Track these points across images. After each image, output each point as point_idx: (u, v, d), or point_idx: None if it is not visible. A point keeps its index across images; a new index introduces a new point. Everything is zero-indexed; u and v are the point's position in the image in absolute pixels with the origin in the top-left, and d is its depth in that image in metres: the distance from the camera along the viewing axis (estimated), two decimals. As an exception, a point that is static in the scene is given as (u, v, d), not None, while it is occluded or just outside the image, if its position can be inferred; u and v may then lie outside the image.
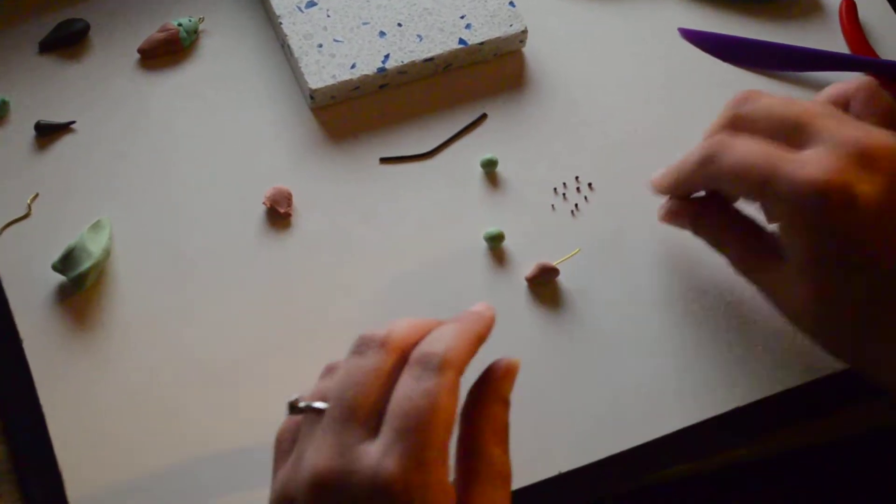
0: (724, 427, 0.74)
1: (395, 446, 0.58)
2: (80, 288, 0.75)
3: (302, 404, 0.63)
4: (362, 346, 0.62)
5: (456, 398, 0.60)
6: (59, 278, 0.75)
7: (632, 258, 0.79)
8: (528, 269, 0.78)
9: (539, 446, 0.73)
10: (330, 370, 0.65)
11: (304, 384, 0.73)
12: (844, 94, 0.72)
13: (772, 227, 0.71)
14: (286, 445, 0.63)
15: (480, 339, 0.64)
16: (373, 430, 0.60)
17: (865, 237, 0.66)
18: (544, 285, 0.78)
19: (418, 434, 0.58)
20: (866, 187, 0.65)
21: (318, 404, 0.62)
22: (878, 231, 0.65)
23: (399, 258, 0.78)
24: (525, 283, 0.78)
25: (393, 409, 0.59)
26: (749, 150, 0.68)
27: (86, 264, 0.74)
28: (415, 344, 0.63)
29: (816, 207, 0.65)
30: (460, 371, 0.61)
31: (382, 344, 0.62)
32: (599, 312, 0.77)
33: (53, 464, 0.71)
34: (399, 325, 0.63)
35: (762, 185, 0.67)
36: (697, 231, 0.74)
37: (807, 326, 0.70)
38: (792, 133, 0.68)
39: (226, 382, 0.74)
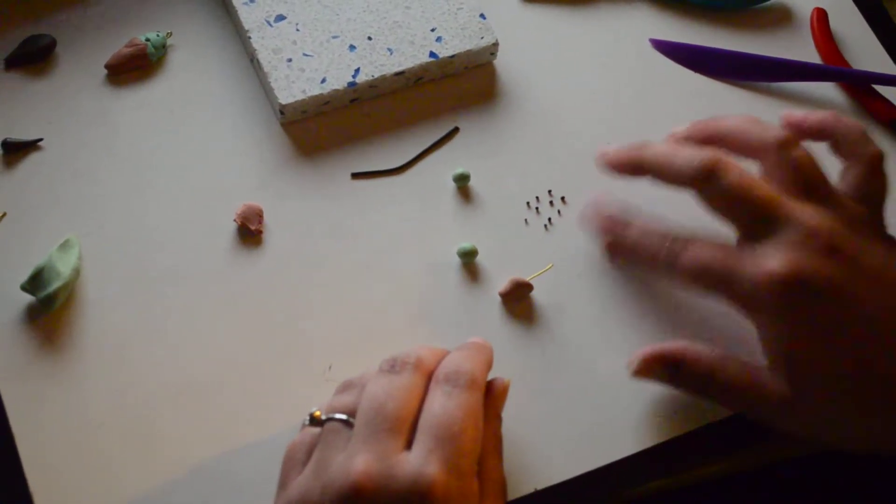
0: (700, 441, 0.74)
1: (434, 453, 0.61)
2: (49, 308, 0.74)
3: (325, 416, 0.65)
4: (396, 366, 0.66)
5: (483, 414, 0.64)
6: (28, 299, 0.74)
7: (605, 272, 0.79)
8: (502, 284, 0.77)
9: (514, 464, 0.72)
10: (349, 386, 0.68)
11: (279, 401, 0.73)
12: (830, 129, 0.74)
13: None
14: (300, 457, 0.65)
15: (489, 365, 0.69)
16: (408, 441, 0.63)
17: (834, 321, 0.68)
18: (518, 301, 0.77)
19: (455, 442, 0.62)
20: (826, 272, 0.67)
21: (344, 416, 0.65)
22: (846, 313, 0.68)
23: (371, 274, 0.78)
24: (498, 299, 0.77)
25: (428, 420, 0.63)
26: (706, 252, 0.70)
27: (55, 284, 0.73)
28: (434, 368, 0.67)
29: (781, 300, 0.67)
30: (483, 390, 0.66)
31: (416, 366, 0.66)
32: (573, 328, 0.77)
33: (25, 487, 0.70)
34: (424, 351, 0.67)
35: (722, 283, 0.70)
36: (679, 384, 0.73)
37: (793, 424, 0.71)
38: (753, 220, 0.70)
39: (198, 401, 0.73)
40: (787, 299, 0.67)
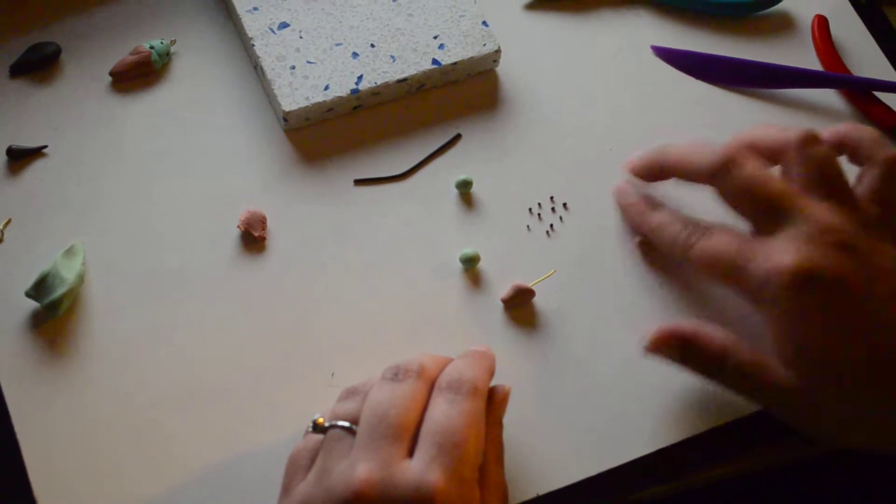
0: (703, 446, 0.75)
1: (436, 461, 0.62)
2: (54, 314, 0.74)
3: (328, 423, 0.66)
4: (399, 374, 0.66)
5: (484, 422, 0.65)
6: (33, 305, 0.75)
7: (608, 278, 0.79)
8: (504, 290, 0.78)
9: (516, 469, 0.73)
10: (352, 393, 0.68)
11: (282, 406, 0.73)
12: (848, 138, 0.75)
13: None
14: (304, 463, 0.66)
15: (492, 373, 0.69)
16: (410, 449, 0.63)
17: (843, 315, 0.67)
18: (520, 307, 0.78)
19: (457, 450, 0.62)
20: (836, 267, 0.67)
21: (347, 423, 0.65)
22: (856, 308, 0.67)
23: (374, 280, 0.78)
24: (501, 305, 0.78)
25: (431, 428, 0.63)
26: (721, 242, 0.71)
27: (59, 290, 0.74)
28: (437, 376, 0.67)
29: (791, 293, 0.67)
30: (485, 398, 0.67)
31: (419, 374, 0.66)
32: (575, 334, 0.77)
33: (29, 493, 0.70)
34: (427, 359, 0.68)
35: (735, 273, 0.70)
36: (687, 362, 0.72)
37: (800, 419, 0.71)
38: (767, 213, 0.70)
39: (203, 406, 0.73)
40: (797, 292, 0.67)
